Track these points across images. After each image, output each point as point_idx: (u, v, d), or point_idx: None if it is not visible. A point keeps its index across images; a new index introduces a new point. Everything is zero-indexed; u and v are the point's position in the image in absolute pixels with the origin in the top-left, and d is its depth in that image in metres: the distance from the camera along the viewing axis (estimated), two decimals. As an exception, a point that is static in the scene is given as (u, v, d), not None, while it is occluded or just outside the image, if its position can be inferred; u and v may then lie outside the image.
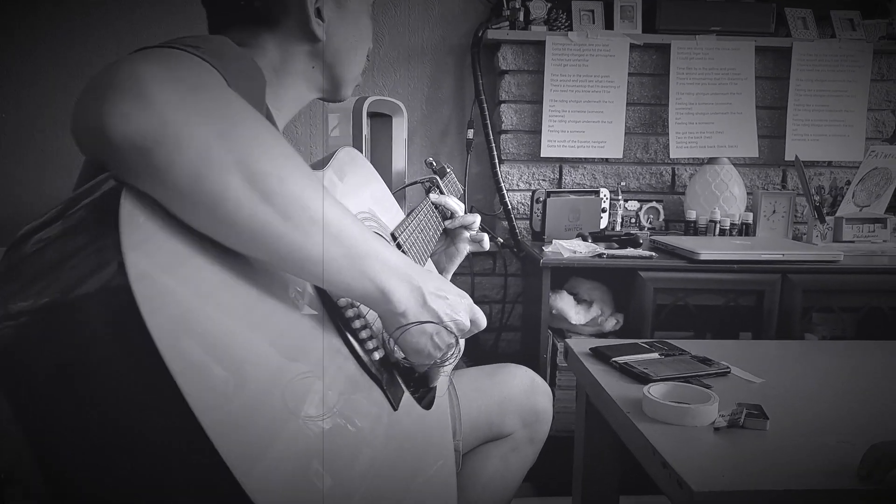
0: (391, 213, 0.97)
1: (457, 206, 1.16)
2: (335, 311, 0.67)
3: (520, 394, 1.21)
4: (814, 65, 2.20)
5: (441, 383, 0.87)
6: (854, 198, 2.07)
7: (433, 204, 1.12)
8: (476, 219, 1.18)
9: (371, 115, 1.62)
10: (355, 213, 0.78)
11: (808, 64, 2.19)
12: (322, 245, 0.55)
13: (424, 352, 0.70)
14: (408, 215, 1.00)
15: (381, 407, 0.68)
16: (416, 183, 1.24)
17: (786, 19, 2.20)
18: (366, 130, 1.47)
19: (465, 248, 1.21)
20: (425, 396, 0.83)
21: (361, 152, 1.47)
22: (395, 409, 0.71)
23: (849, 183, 2.05)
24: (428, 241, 1.03)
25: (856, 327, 1.91)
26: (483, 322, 0.78)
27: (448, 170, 1.27)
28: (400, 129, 1.63)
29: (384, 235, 0.88)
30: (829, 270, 1.75)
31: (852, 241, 2.04)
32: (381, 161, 1.60)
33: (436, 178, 1.18)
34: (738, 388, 1.09)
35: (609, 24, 2.14)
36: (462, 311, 0.73)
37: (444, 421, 0.90)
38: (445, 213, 1.15)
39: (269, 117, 0.80)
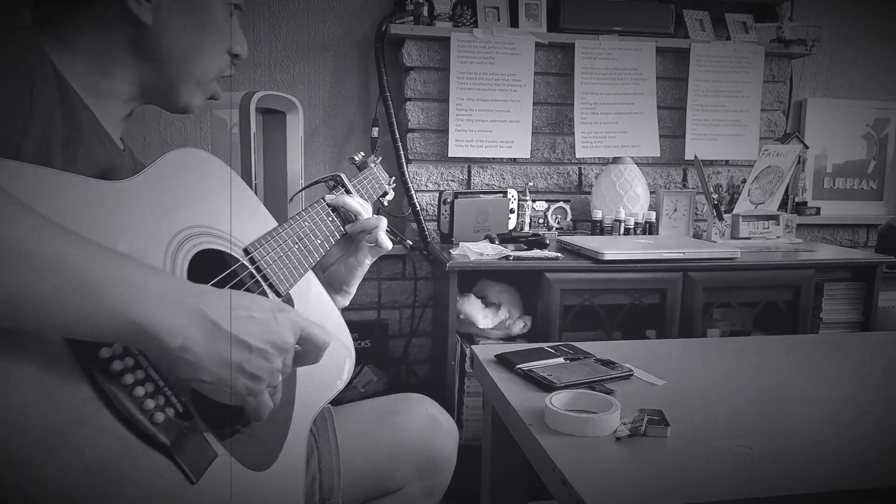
0: (254, 224, 0.82)
1: (359, 206, 0.97)
2: (96, 365, 0.53)
3: (417, 438, 1.03)
4: (711, 66, 2.26)
5: (297, 430, 0.75)
6: (750, 195, 2.14)
7: (331, 206, 0.96)
8: (378, 223, 0.99)
9: (263, 111, 1.51)
10: (179, 230, 0.66)
11: (706, 65, 2.25)
12: (38, 281, 0.44)
13: (240, 390, 0.58)
14: (281, 224, 0.87)
15: (168, 480, 0.55)
16: (315, 183, 1.10)
17: (684, 21, 2.25)
18: (254, 128, 1.36)
19: (367, 260, 1.01)
20: (266, 451, 0.69)
21: (250, 151, 1.36)
22: (193, 482, 0.57)
23: (744, 181, 2.12)
24: (310, 252, 0.91)
25: (753, 321, 1.96)
26: (322, 338, 0.66)
27: (371, 164, 1.11)
28: (295, 127, 1.53)
29: (232, 252, 0.75)
30: (727, 268, 1.79)
31: (749, 238, 2.11)
32: (274, 162, 1.48)
33: (340, 176, 1.02)
34: (640, 392, 1.08)
35: (514, 22, 2.11)
36: (282, 329, 0.61)
37: (292, 480, 0.75)
38: (348, 217, 0.98)
39: (84, 111, 0.68)
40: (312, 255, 0.91)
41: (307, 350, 0.66)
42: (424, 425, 1.05)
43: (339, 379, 0.87)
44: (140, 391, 0.56)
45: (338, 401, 0.93)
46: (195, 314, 0.54)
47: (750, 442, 0.90)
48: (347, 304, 1.02)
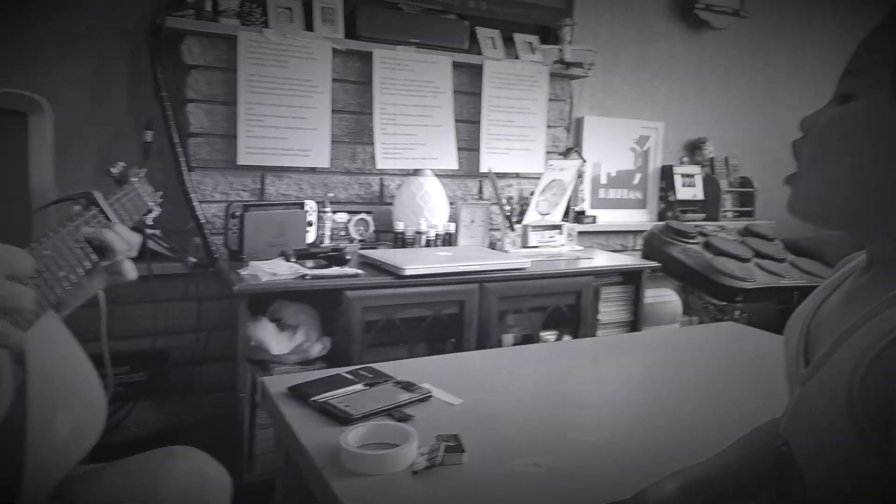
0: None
1: (119, 242, 0.82)
2: None
3: (182, 498, 0.89)
4: (502, 83, 2.36)
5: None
6: (538, 207, 2.28)
7: (86, 238, 0.79)
8: (129, 251, 0.84)
9: (-3, 111, 1.25)
10: None
11: (497, 81, 2.35)
12: None
13: None
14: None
15: None
16: (63, 201, 0.91)
17: (478, 37, 2.33)
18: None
19: (100, 287, 0.86)
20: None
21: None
22: None
23: (533, 193, 2.25)
24: (51, 288, 0.74)
25: (542, 324, 2.09)
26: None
27: (134, 179, 0.95)
28: (41, 131, 1.28)
29: None
30: (518, 277, 1.88)
31: (537, 247, 2.24)
32: (10, 171, 1.23)
33: (92, 194, 0.85)
34: (439, 414, 1.07)
35: (309, 26, 2.01)
36: None
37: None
38: (102, 247, 0.81)
39: None
40: (53, 292, 0.74)
41: None
42: (192, 483, 0.92)
43: (80, 448, 0.73)
44: None
45: (103, 448, 0.80)
46: None
47: (539, 459, 0.93)
48: None
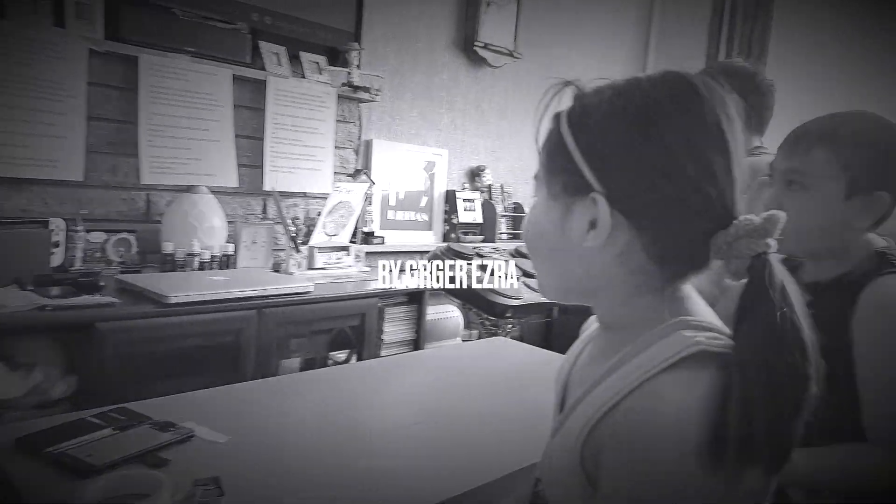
0: None
1: None
2: None
3: None
4: (288, 101, 2.31)
5: None
6: (325, 228, 2.26)
7: None
8: None
9: None
10: None
11: (283, 99, 2.30)
12: None
13: None
14: None
15: None
16: None
17: (262, 53, 2.25)
18: None
19: None
20: None
21: None
22: None
23: (320, 214, 2.22)
24: None
25: (328, 345, 2.07)
26: None
27: None
28: None
29: None
30: (300, 302, 1.83)
31: (323, 268, 2.22)
32: None
33: None
34: (201, 455, 0.99)
35: (60, 21, 1.78)
36: None
37: None
38: None
39: None
40: None
41: None
42: None
43: None
44: None
45: None
46: None
47: (310, 496, 0.90)
48: None
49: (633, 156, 0.57)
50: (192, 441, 1.03)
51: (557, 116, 0.62)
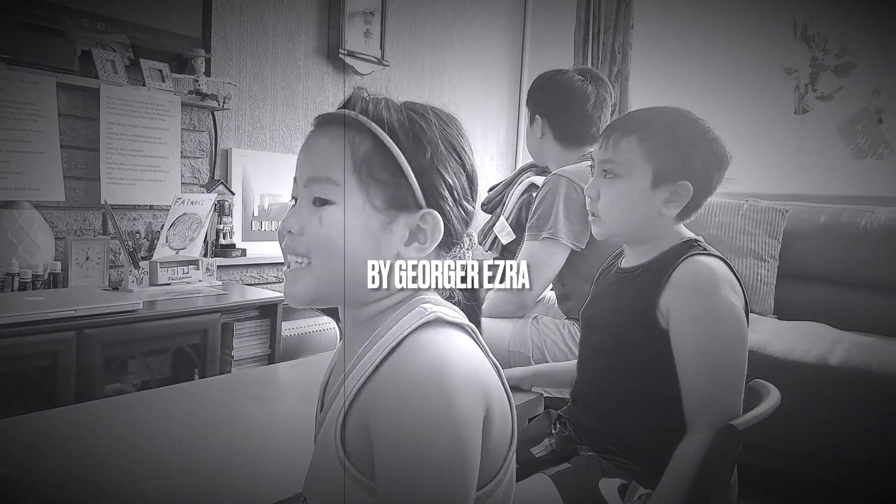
0: None
1: None
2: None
3: None
4: (125, 110, 2.21)
5: None
6: (169, 242, 2.17)
7: None
8: None
9: None
10: None
11: (120, 108, 2.19)
12: None
13: None
14: None
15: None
16: None
17: (94, 60, 2.15)
18: None
19: None
20: None
21: None
22: None
23: (163, 227, 2.14)
24: None
25: (170, 365, 1.99)
26: None
27: None
28: None
29: None
30: (128, 321, 1.74)
31: (168, 284, 2.13)
32: None
33: None
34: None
35: None
36: None
37: None
38: None
39: None
40: None
41: None
42: None
43: None
44: None
45: None
46: None
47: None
48: None
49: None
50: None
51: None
